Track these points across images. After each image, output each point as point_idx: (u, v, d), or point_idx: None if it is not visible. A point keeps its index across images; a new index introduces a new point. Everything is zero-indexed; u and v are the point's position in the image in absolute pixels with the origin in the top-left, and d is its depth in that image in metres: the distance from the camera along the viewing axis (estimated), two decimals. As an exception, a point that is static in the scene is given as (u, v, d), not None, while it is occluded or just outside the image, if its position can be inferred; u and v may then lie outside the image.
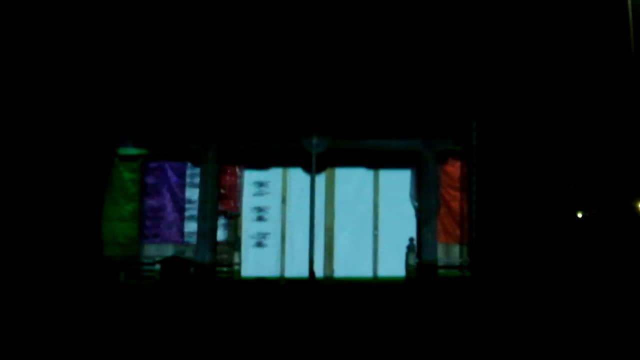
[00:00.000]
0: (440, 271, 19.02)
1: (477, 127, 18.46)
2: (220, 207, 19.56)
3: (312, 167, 17.89)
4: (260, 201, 20.19)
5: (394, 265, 19.59)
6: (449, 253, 19.74)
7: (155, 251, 19.85)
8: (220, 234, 19.85)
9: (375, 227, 20.25)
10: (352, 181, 20.39)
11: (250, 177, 20.31)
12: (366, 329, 11.62)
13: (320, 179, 19.95)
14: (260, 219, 20.18)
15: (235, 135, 18.90)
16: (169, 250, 19.81)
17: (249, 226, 20.27)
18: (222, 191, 19.78)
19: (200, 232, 18.68)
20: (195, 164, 19.78)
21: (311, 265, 17.95)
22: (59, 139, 18.66)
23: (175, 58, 18.99)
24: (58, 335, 10.84)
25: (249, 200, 20.31)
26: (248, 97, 18.73)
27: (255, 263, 19.82)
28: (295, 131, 18.35)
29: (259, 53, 18.82)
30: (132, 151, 20.23)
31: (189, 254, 19.41)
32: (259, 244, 20.03)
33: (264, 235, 20.10)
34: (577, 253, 17.78)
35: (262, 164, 20.42)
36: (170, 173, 20.37)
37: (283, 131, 18.53)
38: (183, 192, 20.28)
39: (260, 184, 20.13)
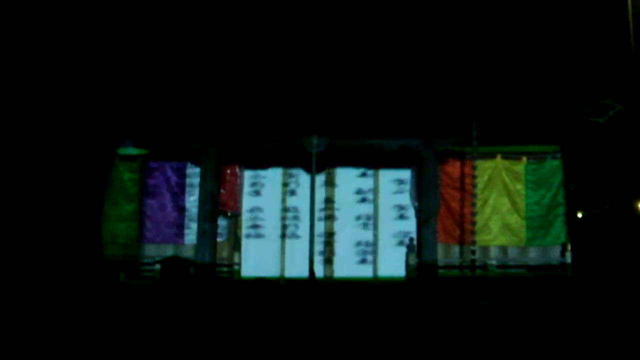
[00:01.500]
0: (440, 271, 19.01)
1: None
2: (220, 207, 19.52)
3: (312, 167, 17.84)
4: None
5: (394, 265, 19.58)
6: (449, 253, 19.72)
7: (155, 251, 19.82)
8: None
9: (375, 227, 20.23)
10: (352, 181, 20.40)
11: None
12: (366, 329, 11.61)
13: (320, 179, 19.95)
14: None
15: (235, 135, 18.88)
16: (169, 250, 19.78)
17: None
18: (222, 191, 19.75)
19: (200, 232, 18.64)
20: (195, 164, 19.75)
21: (311, 265, 17.92)
22: (60, 139, 18.66)
23: (175, 59, 18.99)
24: (58, 335, 10.84)
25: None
26: (248, 97, 18.71)
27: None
28: (295, 131, 18.33)
29: (259, 53, 18.81)
30: (132, 151, 20.23)
31: (189, 254, 19.37)
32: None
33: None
34: None
35: (262, 164, 20.42)
36: (170, 173, 20.35)
37: (283, 131, 18.51)
38: (183, 192, 20.25)
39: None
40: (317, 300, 15.96)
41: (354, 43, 18.69)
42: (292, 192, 20.39)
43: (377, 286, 18.80)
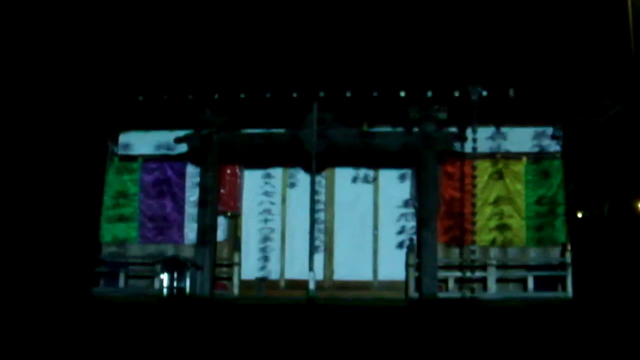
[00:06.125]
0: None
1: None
2: (220, 207, 19.49)
3: (312, 167, 17.79)
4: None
5: (394, 266, 19.55)
6: (449, 253, 19.68)
7: (155, 251, 19.80)
8: (220, 234, 19.79)
9: (375, 227, 20.21)
10: (350, 180, 20.39)
11: None
12: (366, 329, 11.62)
13: (320, 179, 19.93)
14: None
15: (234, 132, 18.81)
16: (169, 250, 19.77)
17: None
18: (222, 191, 19.72)
19: (200, 232, 18.61)
20: (195, 164, 19.74)
21: (311, 266, 17.89)
22: (58, 138, 18.67)
23: (174, 58, 18.98)
24: (57, 335, 10.83)
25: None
26: (248, 97, 18.67)
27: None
28: (293, 127, 18.27)
29: (258, 53, 18.79)
30: (132, 151, 20.23)
31: (189, 253, 19.32)
32: None
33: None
34: None
35: (262, 164, 20.41)
36: (170, 173, 20.34)
37: (280, 126, 18.48)
38: (183, 192, 20.24)
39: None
40: (317, 300, 15.97)
41: (354, 43, 18.67)
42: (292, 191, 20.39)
43: (376, 286, 18.80)
